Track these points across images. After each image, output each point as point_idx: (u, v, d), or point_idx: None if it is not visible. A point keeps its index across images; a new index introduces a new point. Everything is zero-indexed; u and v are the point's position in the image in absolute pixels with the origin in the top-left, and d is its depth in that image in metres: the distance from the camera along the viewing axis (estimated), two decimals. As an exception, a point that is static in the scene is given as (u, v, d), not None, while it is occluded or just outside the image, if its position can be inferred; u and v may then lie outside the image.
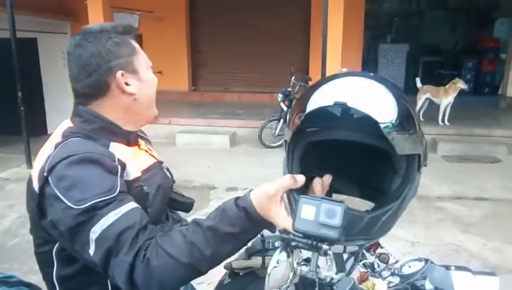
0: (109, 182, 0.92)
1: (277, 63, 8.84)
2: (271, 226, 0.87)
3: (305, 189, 0.97)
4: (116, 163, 0.98)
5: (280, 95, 6.53)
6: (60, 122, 1.10)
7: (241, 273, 1.27)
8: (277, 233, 0.90)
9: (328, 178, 1.01)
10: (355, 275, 0.93)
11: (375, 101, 0.89)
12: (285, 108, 6.53)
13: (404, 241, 3.61)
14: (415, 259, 1.27)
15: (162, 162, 1.22)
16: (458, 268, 1.12)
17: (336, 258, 1.17)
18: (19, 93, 5.65)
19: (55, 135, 1.05)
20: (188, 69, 9.69)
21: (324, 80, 0.98)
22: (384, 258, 1.29)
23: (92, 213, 0.88)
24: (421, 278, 1.16)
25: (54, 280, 1.04)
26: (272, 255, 1.05)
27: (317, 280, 0.96)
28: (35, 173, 0.98)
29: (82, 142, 1.00)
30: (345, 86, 0.95)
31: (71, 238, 0.91)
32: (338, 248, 0.90)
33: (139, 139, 1.20)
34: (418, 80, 7.28)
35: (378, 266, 1.27)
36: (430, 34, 11.14)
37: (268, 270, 0.86)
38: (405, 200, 0.95)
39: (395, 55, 10.00)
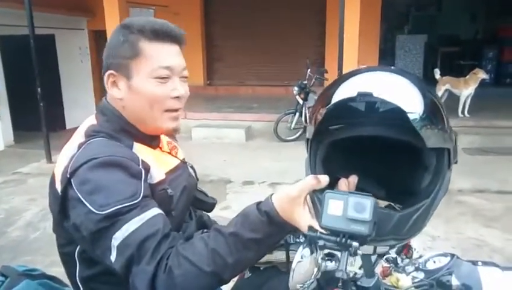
0: (133, 187, 0.90)
1: (292, 56, 8.78)
2: (295, 231, 0.84)
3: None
4: (140, 166, 0.95)
5: (296, 88, 6.49)
6: (78, 117, 1.09)
7: (261, 268, 1.26)
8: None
9: (354, 179, 0.96)
10: (378, 270, 0.90)
11: (401, 93, 0.85)
12: (300, 101, 6.49)
13: (424, 236, 3.55)
14: (440, 254, 1.24)
15: (186, 162, 1.19)
16: (485, 263, 1.08)
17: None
18: (38, 89, 5.74)
19: (79, 133, 1.02)
20: (203, 63, 9.71)
21: (346, 75, 0.94)
22: (408, 253, 1.26)
23: (115, 219, 0.86)
24: (447, 273, 1.12)
25: (77, 280, 1.03)
26: (294, 250, 1.03)
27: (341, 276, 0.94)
28: (58, 172, 0.97)
29: (105, 143, 0.97)
30: (368, 79, 0.90)
31: (93, 243, 0.89)
32: (368, 249, 0.86)
33: (162, 139, 1.16)
34: (436, 70, 7.12)
35: (402, 261, 1.25)
36: (448, 24, 10.90)
37: (293, 265, 0.84)
38: (436, 199, 0.90)
39: (413, 46, 9.83)
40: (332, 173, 0.91)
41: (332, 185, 0.91)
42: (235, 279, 1.31)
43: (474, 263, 1.09)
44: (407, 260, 1.24)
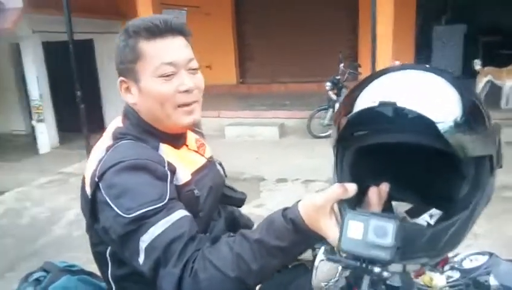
0: (159, 190, 0.90)
1: (324, 51, 8.66)
2: (321, 240, 0.81)
3: (359, 201, 0.88)
4: (166, 168, 0.95)
5: (328, 84, 6.40)
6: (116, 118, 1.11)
7: (290, 266, 1.25)
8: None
9: (385, 186, 0.90)
10: (410, 268, 0.86)
11: (432, 97, 0.77)
12: (334, 97, 6.40)
13: (464, 233, 3.42)
14: (477, 252, 1.19)
15: (212, 160, 1.18)
16: (527, 263, 1.04)
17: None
18: (78, 93, 5.97)
19: (106, 136, 1.04)
20: (235, 62, 9.77)
21: (373, 75, 0.87)
22: (444, 265, 1.22)
23: (142, 222, 0.86)
24: (485, 273, 1.08)
25: (109, 278, 1.05)
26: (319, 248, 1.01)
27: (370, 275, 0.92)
28: (87, 175, 0.98)
29: (132, 146, 0.98)
30: (396, 82, 0.83)
31: (122, 246, 0.90)
32: (396, 267, 0.81)
33: (189, 137, 1.16)
34: (477, 62, 6.80)
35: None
36: (489, 12, 10.37)
37: (316, 263, 0.83)
38: (476, 210, 0.82)
39: (451, 37, 9.43)
40: (361, 180, 0.85)
41: (362, 193, 0.86)
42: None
43: (515, 262, 1.05)
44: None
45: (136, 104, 1.03)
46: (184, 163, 1.05)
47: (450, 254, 1.21)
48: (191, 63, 1.02)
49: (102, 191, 0.91)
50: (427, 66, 0.87)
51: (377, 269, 0.66)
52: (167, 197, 0.89)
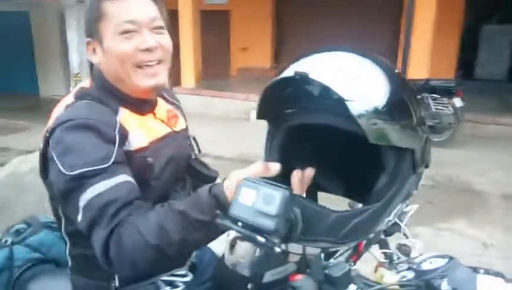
0: (104, 152, 0.90)
1: (361, 42, 8.40)
2: None
3: (285, 182, 0.86)
4: (116, 132, 0.95)
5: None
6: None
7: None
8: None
9: (310, 171, 0.90)
10: (310, 251, 0.83)
11: (354, 79, 0.76)
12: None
13: (474, 242, 3.29)
14: (438, 255, 1.15)
15: (180, 132, 1.18)
16: (488, 272, 0.99)
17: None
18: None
19: (70, 95, 1.05)
20: (271, 46, 9.68)
21: (305, 53, 0.86)
22: (405, 250, 1.19)
23: (82, 181, 0.87)
24: (439, 277, 1.04)
25: (63, 233, 1.09)
26: None
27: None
28: (44, 130, 1.00)
29: (87, 106, 0.98)
30: (322, 59, 0.82)
31: (64, 202, 0.93)
32: (296, 248, 0.80)
33: (160, 106, 1.15)
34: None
35: (398, 258, 1.18)
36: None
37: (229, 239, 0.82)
38: (391, 204, 0.81)
39: (501, 37, 8.92)
40: (290, 163, 0.86)
41: (289, 176, 0.86)
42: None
43: (476, 269, 1.00)
44: (405, 258, 1.18)
45: (100, 64, 1.03)
46: (144, 130, 1.05)
47: (414, 254, 1.18)
48: (155, 22, 1.00)
49: (50, 147, 0.93)
50: (373, 54, 0.84)
51: (260, 239, 0.65)
52: (111, 161, 0.90)
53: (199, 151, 1.25)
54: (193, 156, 1.23)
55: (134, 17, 0.98)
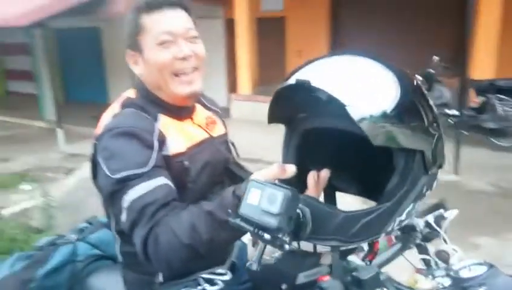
0: (144, 157, 0.99)
1: (422, 44, 8.00)
2: None
3: (302, 183, 0.91)
4: (155, 138, 1.03)
5: (419, 77, 5.98)
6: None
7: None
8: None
9: (325, 173, 0.94)
10: (321, 249, 0.85)
11: (359, 84, 0.78)
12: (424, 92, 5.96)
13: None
14: (478, 263, 1.12)
15: (218, 138, 1.24)
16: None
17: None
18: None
19: (116, 104, 1.15)
20: (326, 50, 9.60)
21: (315, 59, 0.89)
22: (443, 257, 1.17)
23: (124, 184, 0.96)
24: (477, 284, 1.03)
25: (115, 233, 1.17)
26: None
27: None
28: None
29: (131, 115, 1.07)
30: (329, 65, 0.84)
31: (110, 203, 1.03)
32: (307, 246, 0.84)
33: (198, 113, 1.23)
34: None
35: (436, 264, 1.17)
36: None
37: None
38: (402, 204, 0.82)
39: None
40: (306, 164, 0.90)
41: (305, 176, 0.89)
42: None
43: (518, 277, 0.98)
44: (444, 265, 1.16)
45: (143, 75, 1.13)
46: (182, 135, 1.13)
47: (453, 261, 1.16)
48: (189, 32, 1.10)
49: (98, 152, 1.04)
50: (382, 58, 0.86)
51: (267, 236, 0.69)
52: (150, 165, 0.99)
53: (237, 155, 1.31)
54: (231, 160, 1.28)
55: (170, 28, 1.07)
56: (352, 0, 9.17)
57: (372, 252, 0.94)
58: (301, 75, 0.82)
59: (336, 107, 0.75)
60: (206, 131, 1.22)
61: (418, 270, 1.18)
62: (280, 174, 0.84)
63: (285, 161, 0.94)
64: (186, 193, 1.07)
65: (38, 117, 9.59)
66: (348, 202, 1.14)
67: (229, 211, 0.81)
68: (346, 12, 9.33)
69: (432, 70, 6.09)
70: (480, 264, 1.12)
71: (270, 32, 9.62)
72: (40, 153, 6.02)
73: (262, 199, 0.71)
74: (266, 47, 9.19)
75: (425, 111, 0.83)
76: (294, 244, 0.78)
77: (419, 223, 1.12)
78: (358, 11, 9.02)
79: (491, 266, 1.12)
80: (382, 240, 1.16)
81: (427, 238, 1.21)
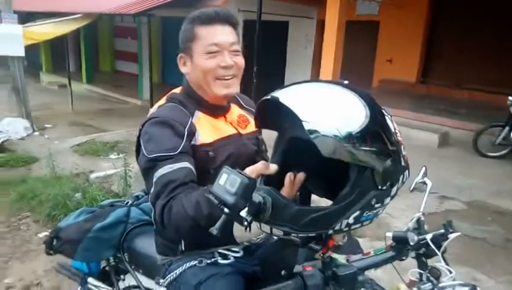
0: (175, 143, 1.19)
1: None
2: None
3: (283, 182, 1.08)
4: (186, 129, 1.23)
5: (511, 98, 5.53)
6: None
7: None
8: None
9: (301, 175, 1.08)
10: (276, 232, 0.99)
11: (320, 105, 0.92)
12: (514, 113, 5.52)
13: None
14: (462, 283, 1.19)
15: (247, 134, 1.41)
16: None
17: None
18: (254, 68, 6.70)
19: (164, 98, 1.39)
20: (420, 59, 9.20)
21: (303, 81, 1.04)
22: (434, 273, 1.24)
23: (155, 163, 1.17)
24: (455, 303, 1.10)
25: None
26: None
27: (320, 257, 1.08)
28: None
29: (171, 108, 1.29)
30: (305, 87, 1.00)
31: (144, 178, 1.24)
32: (264, 227, 0.98)
33: (232, 112, 1.41)
34: None
35: (428, 278, 1.23)
36: None
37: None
38: (349, 209, 0.95)
39: None
40: (288, 166, 1.06)
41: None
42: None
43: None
44: (435, 281, 1.23)
45: (189, 74, 1.33)
46: (212, 129, 1.33)
47: (445, 279, 1.22)
48: (233, 46, 1.30)
49: (141, 136, 1.27)
50: (365, 95, 0.98)
51: (226, 210, 0.87)
52: (178, 150, 1.20)
53: (266, 150, 1.48)
54: (260, 154, 1.44)
55: (218, 41, 1.27)
56: (452, 12, 8.66)
57: (326, 247, 1.06)
58: (279, 92, 0.98)
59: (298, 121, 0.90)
60: (236, 128, 1.40)
61: (411, 282, 1.26)
62: (264, 170, 1.02)
63: (272, 161, 1.11)
64: (209, 177, 1.24)
65: (136, 96, 10.61)
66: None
67: (208, 189, 0.99)
68: (444, 23, 8.85)
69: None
70: (464, 285, 1.18)
71: (362, 37, 9.48)
72: (131, 128, 6.71)
73: (227, 181, 0.88)
74: (355, 52, 9.07)
75: (386, 136, 0.95)
76: (256, 224, 0.95)
77: (414, 237, 1.20)
78: (457, 23, 8.53)
79: (473, 287, 1.17)
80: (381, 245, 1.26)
81: (427, 255, 1.28)
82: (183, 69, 1.36)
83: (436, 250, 1.22)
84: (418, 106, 7.61)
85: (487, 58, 8.04)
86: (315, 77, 9.45)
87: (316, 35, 9.61)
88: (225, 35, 1.29)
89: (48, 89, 12.21)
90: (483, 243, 3.55)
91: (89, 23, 8.60)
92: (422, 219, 1.31)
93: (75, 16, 8.15)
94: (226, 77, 1.30)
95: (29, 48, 7.31)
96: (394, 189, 1.01)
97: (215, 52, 1.27)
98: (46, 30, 8.16)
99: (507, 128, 5.67)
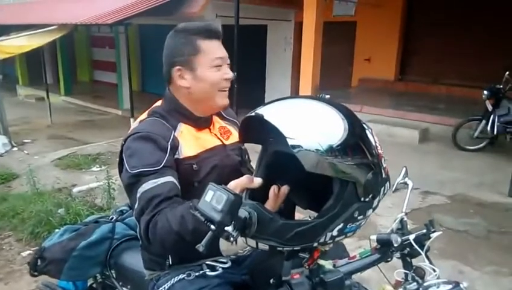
0: (158, 157, 1.19)
1: (499, 60, 7.34)
2: None
3: (267, 195, 1.09)
4: (168, 143, 1.24)
5: (485, 92, 5.66)
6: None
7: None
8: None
9: (285, 189, 1.10)
10: (261, 247, 0.99)
11: (302, 121, 0.95)
12: (490, 107, 5.66)
13: None
14: (447, 281, 1.21)
15: (230, 145, 1.42)
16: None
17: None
18: (235, 73, 6.68)
19: (145, 112, 1.38)
20: (396, 57, 9.34)
21: (282, 98, 1.06)
22: (419, 273, 1.26)
23: (139, 178, 1.17)
24: (439, 301, 1.12)
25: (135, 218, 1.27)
26: None
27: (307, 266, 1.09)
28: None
29: (153, 122, 1.29)
30: (287, 104, 1.02)
31: (128, 194, 1.24)
32: (251, 242, 0.99)
33: (215, 124, 1.43)
34: None
35: (412, 278, 1.26)
36: None
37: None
38: (333, 222, 0.96)
39: None
40: (273, 179, 1.07)
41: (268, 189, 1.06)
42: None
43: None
44: (420, 280, 1.25)
45: (189, 88, 1.32)
46: (196, 142, 1.33)
47: (429, 278, 1.24)
48: (228, 59, 1.35)
49: (123, 151, 1.27)
50: (344, 110, 1.00)
51: (213, 227, 0.87)
52: (162, 164, 1.20)
53: (249, 160, 1.49)
54: (244, 165, 1.45)
55: (221, 55, 1.32)
56: (427, 9, 8.82)
57: (311, 258, 1.08)
58: (263, 109, 1.00)
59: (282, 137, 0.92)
60: (220, 139, 1.41)
61: (398, 282, 1.29)
62: (248, 184, 1.03)
63: (256, 174, 1.12)
64: (194, 190, 1.25)
65: (117, 106, 10.49)
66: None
67: (191, 204, 1.00)
68: (420, 20, 9.00)
69: (499, 86, 5.74)
70: (447, 282, 1.21)
71: (339, 37, 9.57)
72: (113, 139, 6.65)
73: (213, 198, 0.89)
74: (333, 52, 9.16)
75: (366, 148, 0.97)
76: (242, 239, 0.96)
77: (397, 239, 1.23)
78: (432, 20, 8.66)
79: (456, 284, 1.20)
80: (367, 247, 1.29)
81: (411, 255, 1.30)
82: (180, 82, 1.33)
83: (420, 250, 1.25)
84: (398, 104, 7.71)
85: (463, 53, 8.21)
86: (295, 79, 9.50)
87: (295, 38, 9.68)
88: (222, 48, 1.34)
89: (25, 102, 11.99)
90: (466, 236, 3.63)
91: (65, 34, 8.46)
92: (405, 219, 1.34)
93: (51, 28, 8.01)
94: (226, 89, 1.35)
95: (4, 61, 7.16)
96: (376, 201, 1.04)
97: (219, 65, 1.32)
98: (20, 43, 7.99)
99: (484, 121, 5.80)
